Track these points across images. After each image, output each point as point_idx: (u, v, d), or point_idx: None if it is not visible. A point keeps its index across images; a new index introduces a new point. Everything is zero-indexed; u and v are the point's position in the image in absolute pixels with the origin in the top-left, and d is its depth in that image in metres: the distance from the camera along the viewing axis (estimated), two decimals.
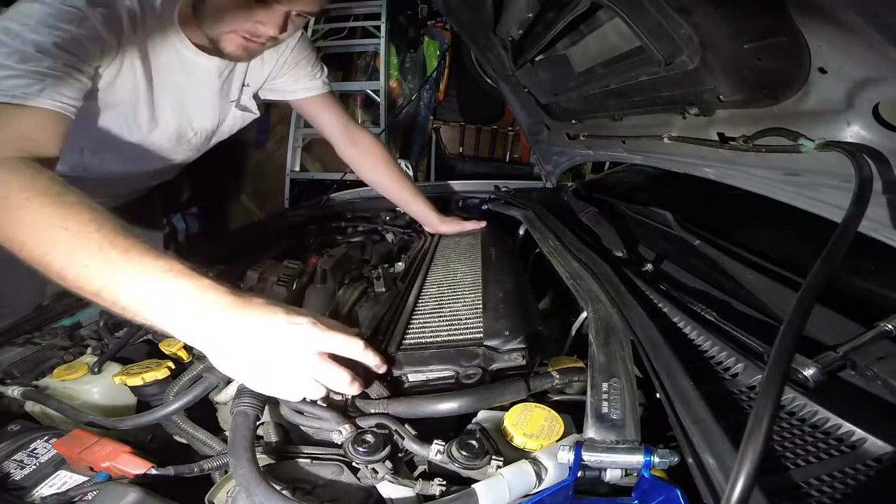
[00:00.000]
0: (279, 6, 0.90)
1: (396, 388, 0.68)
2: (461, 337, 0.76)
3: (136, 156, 1.13)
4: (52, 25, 0.78)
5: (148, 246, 0.59)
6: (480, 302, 0.88)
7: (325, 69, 1.32)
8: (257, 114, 1.28)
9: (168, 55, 1.00)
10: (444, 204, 1.79)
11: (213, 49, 1.02)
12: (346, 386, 0.59)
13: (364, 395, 0.66)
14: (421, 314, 0.86)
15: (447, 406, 0.60)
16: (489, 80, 1.82)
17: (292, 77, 1.26)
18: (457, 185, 2.00)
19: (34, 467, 0.61)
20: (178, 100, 1.07)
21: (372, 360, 0.63)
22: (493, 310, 0.83)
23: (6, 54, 0.75)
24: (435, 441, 0.56)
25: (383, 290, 1.06)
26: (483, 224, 1.37)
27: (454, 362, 0.68)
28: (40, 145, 0.74)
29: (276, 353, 0.56)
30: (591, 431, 0.53)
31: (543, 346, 0.76)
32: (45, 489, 0.58)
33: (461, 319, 0.82)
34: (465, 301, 0.90)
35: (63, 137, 0.79)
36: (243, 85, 1.21)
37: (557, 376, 0.67)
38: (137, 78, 0.97)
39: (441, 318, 0.84)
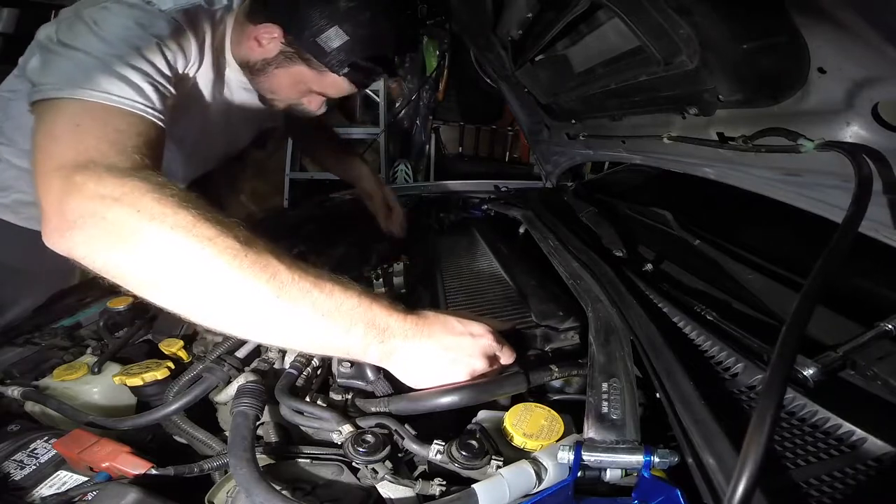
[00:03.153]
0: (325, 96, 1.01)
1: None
2: (511, 324, 0.79)
3: None
4: (156, 38, 0.76)
5: (322, 272, 0.58)
6: (513, 291, 0.92)
7: None
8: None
9: (220, 78, 0.99)
10: (444, 204, 1.79)
11: None
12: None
13: (369, 394, 0.66)
14: (455, 306, 0.87)
15: (449, 400, 0.60)
16: (489, 80, 1.81)
17: None
18: (457, 185, 2.00)
19: (34, 467, 0.61)
20: (224, 115, 1.06)
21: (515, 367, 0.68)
22: (534, 295, 0.87)
23: (117, 61, 0.71)
24: (435, 441, 0.55)
25: (383, 290, 1.06)
26: (402, 210, 1.43)
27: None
28: (154, 161, 0.68)
29: (459, 363, 0.61)
30: (591, 431, 0.53)
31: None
32: (45, 489, 0.58)
33: (501, 308, 0.85)
34: (495, 291, 0.92)
35: (161, 154, 0.74)
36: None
37: (556, 370, 0.67)
38: (198, 94, 0.96)
39: (479, 308, 0.87)
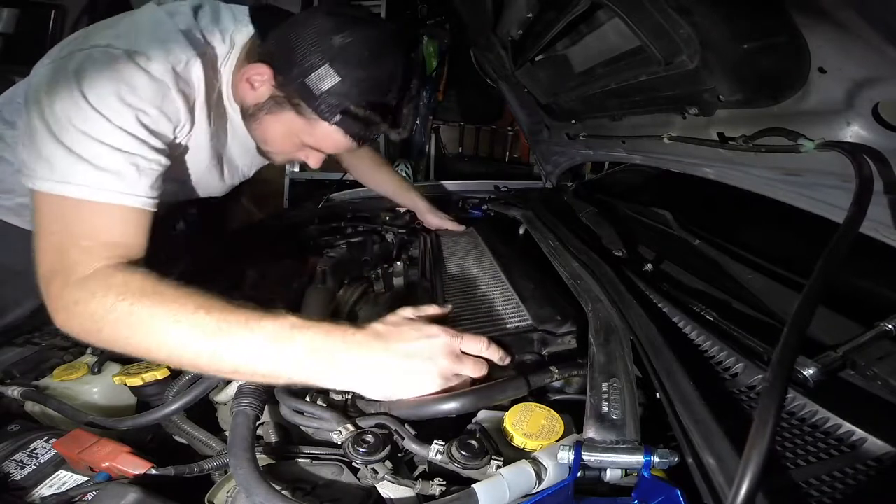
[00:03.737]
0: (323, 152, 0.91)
1: None
2: (508, 326, 0.79)
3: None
4: (134, 106, 0.71)
5: (256, 310, 0.62)
6: (512, 293, 0.91)
7: None
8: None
9: (221, 122, 0.94)
10: (444, 204, 1.79)
11: None
12: (482, 370, 0.65)
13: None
14: (453, 309, 0.87)
15: (450, 406, 0.60)
16: (489, 80, 1.81)
17: None
18: (457, 185, 2.00)
19: (34, 467, 0.61)
20: (227, 157, 1.02)
21: (495, 354, 0.67)
22: (532, 299, 0.87)
23: (88, 141, 0.68)
24: (435, 441, 0.55)
25: (383, 290, 1.06)
26: (462, 228, 1.42)
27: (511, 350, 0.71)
28: (129, 249, 0.70)
29: (424, 367, 0.61)
30: (591, 431, 0.53)
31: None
32: (45, 489, 0.58)
33: (498, 311, 0.85)
34: (493, 294, 0.92)
35: (148, 232, 0.73)
36: None
37: (556, 371, 0.67)
38: (195, 148, 0.90)
39: (476, 311, 0.86)
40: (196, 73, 0.80)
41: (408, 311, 0.69)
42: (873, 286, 0.78)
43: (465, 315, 0.84)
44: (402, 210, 1.64)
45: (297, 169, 3.81)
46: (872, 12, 0.50)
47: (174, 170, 0.83)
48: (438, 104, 4.17)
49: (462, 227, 1.43)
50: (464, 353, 0.65)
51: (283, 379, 0.61)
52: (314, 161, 0.92)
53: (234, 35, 0.86)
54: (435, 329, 0.64)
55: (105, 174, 0.69)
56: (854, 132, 0.66)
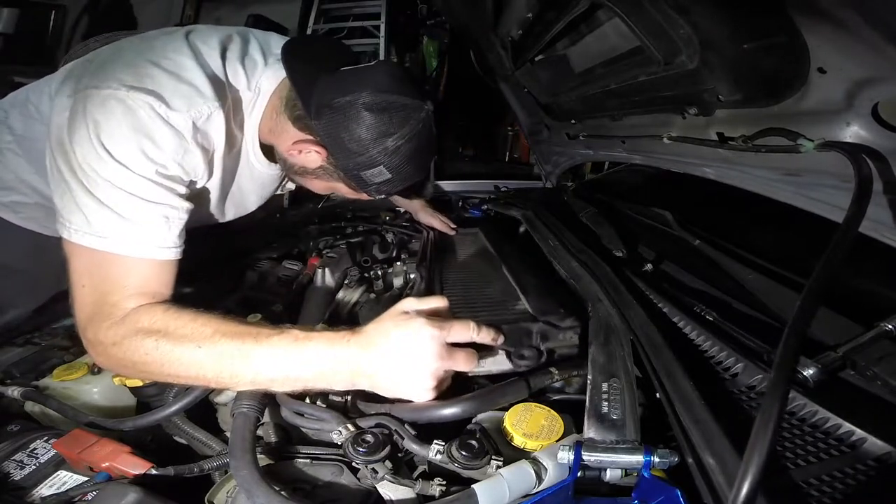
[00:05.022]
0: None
1: None
2: (506, 315, 0.77)
3: None
4: (155, 160, 0.72)
5: (265, 327, 0.67)
6: (513, 286, 0.89)
7: None
8: (293, 187, 1.26)
9: (241, 166, 0.96)
10: (444, 204, 1.79)
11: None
12: (472, 363, 0.66)
13: (369, 394, 0.66)
14: (449, 297, 0.87)
15: (451, 411, 0.60)
16: (489, 80, 1.81)
17: None
18: (457, 185, 2.00)
19: (34, 467, 0.61)
20: (237, 200, 1.04)
21: (487, 335, 0.68)
22: (534, 292, 0.84)
23: (117, 192, 0.70)
24: (435, 441, 0.56)
25: (383, 290, 1.06)
26: (453, 231, 1.42)
27: (507, 340, 0.70)
28: (158, 295, 0.72)
29: (413, 372, 0.62)
30: (591, 431, 0.53)
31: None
32: (45, 489, 0.58)
33: (497, 301, 0.83)
34: (495, 287, 0.91)
35: (175, 278, 0.76)
36: None
37: (556, 372, 0.67)
38: (207, 192, 0.92)
39: (473, 301, 0.85)
40: (216, 126, 0.81)
41: (410, 303, 0.69)
42: (873, 286, 0.78)
43: (462, 304, 0.84)
44: (402, 210, 1.64)
45: None
46: (872, 12, 0.50)
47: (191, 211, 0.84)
48: (438, 104, 4.17)
49: (453, 231, 1.42)
50: (454, 344, 0.65)
51: (296, 385, 0.64)
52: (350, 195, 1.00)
53: (260, 81, 0.88)
54: (417, 324, 0.63)
55: (138, 227, 0.71)
56: (854, 132, 0.66)
